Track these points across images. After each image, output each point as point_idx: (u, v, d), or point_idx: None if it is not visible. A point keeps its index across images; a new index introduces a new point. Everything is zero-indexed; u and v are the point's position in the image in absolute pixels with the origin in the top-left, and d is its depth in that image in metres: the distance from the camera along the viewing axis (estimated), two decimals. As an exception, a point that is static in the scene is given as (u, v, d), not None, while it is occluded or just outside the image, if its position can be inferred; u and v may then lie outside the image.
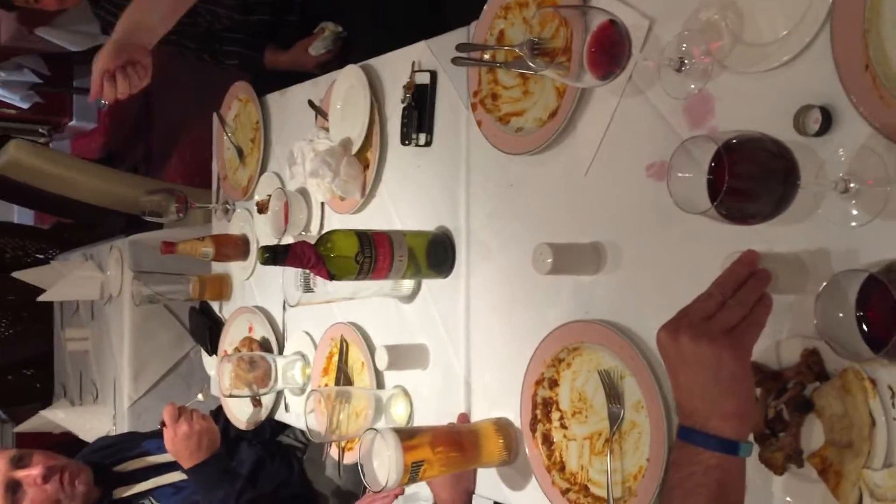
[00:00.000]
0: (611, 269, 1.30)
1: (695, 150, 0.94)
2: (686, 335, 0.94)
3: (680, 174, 0.95)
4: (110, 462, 2.26)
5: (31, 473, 1.98)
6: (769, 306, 0.97)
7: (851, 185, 0.97)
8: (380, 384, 1.75)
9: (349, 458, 1.82)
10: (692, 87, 1.16)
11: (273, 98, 2.29)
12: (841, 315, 0.90)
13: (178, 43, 2.51)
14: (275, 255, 1.41)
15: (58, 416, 3.48)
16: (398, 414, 1.68)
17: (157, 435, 2.12)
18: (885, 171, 0.95)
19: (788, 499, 1.04)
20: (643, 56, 1.20)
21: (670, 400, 1.16)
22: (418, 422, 1.67)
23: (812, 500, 1.02)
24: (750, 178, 0.91)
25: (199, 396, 2.34)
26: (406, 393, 1.69)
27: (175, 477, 2.17)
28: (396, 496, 1.84)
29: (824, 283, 0.92)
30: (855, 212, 0.98)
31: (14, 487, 1.96)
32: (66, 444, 3.37)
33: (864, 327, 0.88)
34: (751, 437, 0.98)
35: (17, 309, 4.28)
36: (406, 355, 1.65)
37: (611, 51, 1.12)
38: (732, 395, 0.93)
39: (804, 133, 1.02)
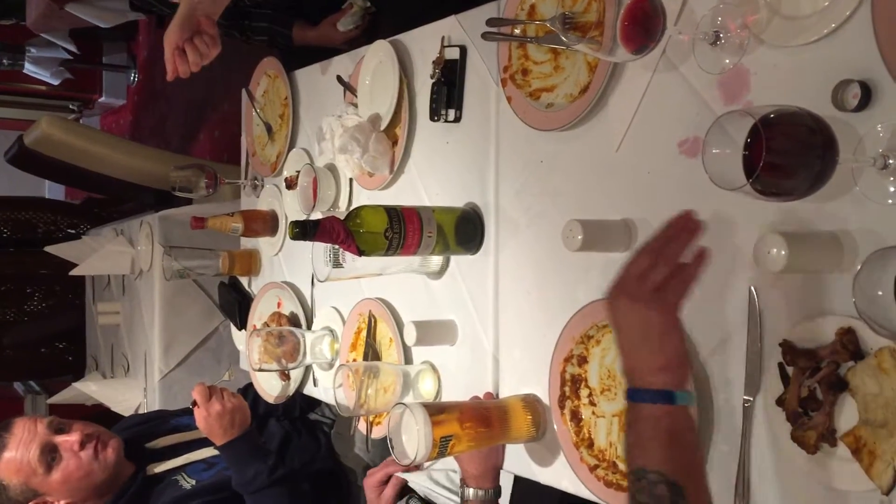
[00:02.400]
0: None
1: (730, 126, 0.93)
2: (624, 299, 1.01)
3: (715, 150, 0.94)
4: (142, 438, 2.28)
5: (70, 439, 2.00)
6: (701, 260, 1.01)
7: (890, 161, 0.95)
8: (408, 360, 1.75)
9: (377, 433, 1.83)
10: (727, 61, 1.14)
11: (302, 74, 2.28)
12: (879, 293, 0.89)
13: (207, 20, 2.51)
14: (305, 231, 1.42)
15: (90, 389, 3.54)
16: (426, 389, 1.69)
17: (187, 412, 2.13)
18: (926, 147, 0.93)
19: (821, 478, 1.03)
20: (677, 30, 1.18)
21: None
22: (446, 397, 1.67)
23: (845, 479, 1.01)
24: (787, 153, 0.90)
25: (226, 376, 2.36)
26: (434, 368, 1.70)
27: (206, 453, 2.18)
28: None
29: (863, 261, 0.90)
30: (893, 188, 0.97)
31: (51, 451, 1.99)
32: (98, 416, 3.44)
33: (903, 305, 0.87)
34: (690, 387, 1.03)
35: (49, 283, 4.35)
36: (434, 331, 1.65)
37: (644, 24, 1.10)
38: (661, 352, 0.99)
39: (843, 108, 1.01)
